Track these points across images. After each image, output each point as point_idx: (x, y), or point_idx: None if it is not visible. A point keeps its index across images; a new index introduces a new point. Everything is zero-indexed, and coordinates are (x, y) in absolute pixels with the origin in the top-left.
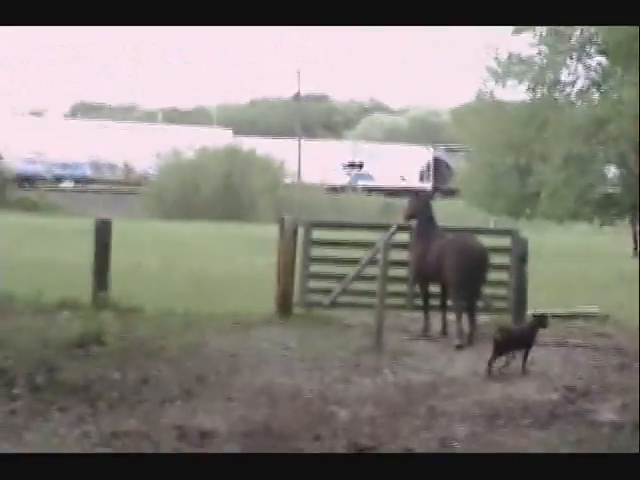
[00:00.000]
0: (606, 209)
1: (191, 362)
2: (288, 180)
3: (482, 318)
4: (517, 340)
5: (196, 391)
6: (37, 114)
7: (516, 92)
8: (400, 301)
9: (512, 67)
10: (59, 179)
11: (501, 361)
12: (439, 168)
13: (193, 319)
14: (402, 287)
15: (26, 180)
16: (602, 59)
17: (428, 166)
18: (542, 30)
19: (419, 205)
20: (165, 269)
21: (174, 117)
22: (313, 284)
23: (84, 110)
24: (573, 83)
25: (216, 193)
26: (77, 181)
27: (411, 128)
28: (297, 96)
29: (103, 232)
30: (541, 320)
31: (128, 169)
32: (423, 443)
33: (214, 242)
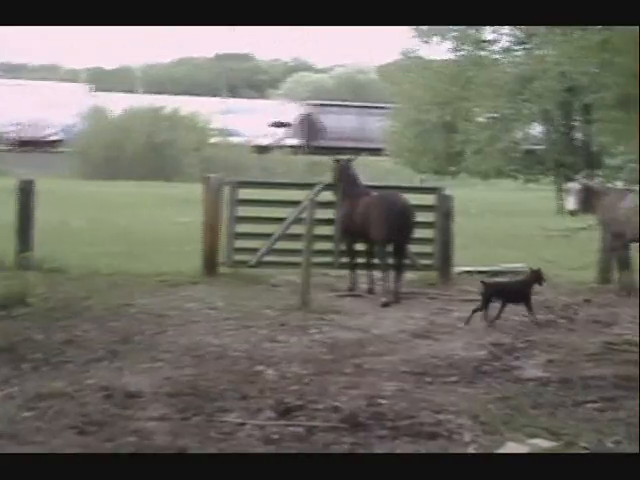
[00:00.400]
0: (530, 166)
1: (117, 322)
2: (213, 139)
3: (408, 275)
4: (508, 293)
5: (122, 351)
6: None
7: (441, 50)
8: (327, 259)
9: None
10: None
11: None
12: (312, 124)
13: (119, 279)
14: (328, 245)
15: None
16: None
17: (300, 122)
18: None
19: (340, 168)
20: (90, 229)
21: (99, 77)
22: (239, 243)
23: (6, 69)
24: (497, 41)
25: (140, 153)
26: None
27: (337, 86)
28: (222, 56)
29: (25, 192)
30: (537, 275)
31: (42, 128)
32: (350, 401)
33: (139, 202)
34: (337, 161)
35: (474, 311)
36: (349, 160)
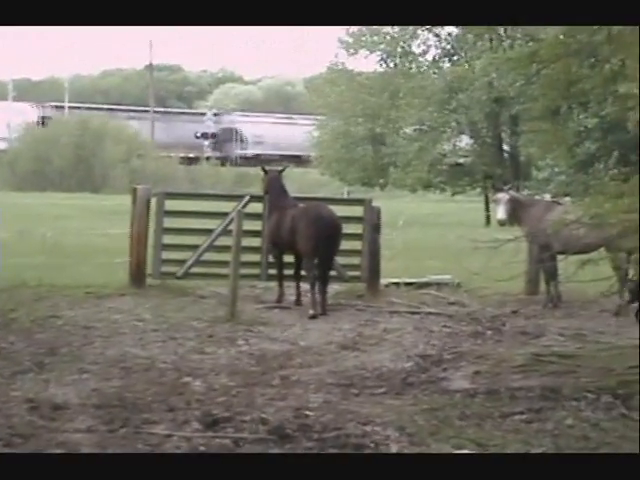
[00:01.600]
0: (458, 178)
1: (43, 334)
2: (141, 151)
3: (336, 287)
4: None
5: (48, 363)
6: None
7: (369, 62)
8: (254, 271)
9: (364, 38)
10: None
11: None
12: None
13: (45, 291)
14: (256, 257)
15: None
16: (453, 29)
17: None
18: None
19: (269, 179)
20: (17, 240)
21: (26, 88)
22: (166, 255)
23: None
24: (426, 52)
25: (68, 164)
26: None
27: (265, 98)
28: (150, 67)
29: None
30: None
31: None
32: (278, 413)
33: (67, 213)
34: (265, 172)
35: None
36: (278, 171)
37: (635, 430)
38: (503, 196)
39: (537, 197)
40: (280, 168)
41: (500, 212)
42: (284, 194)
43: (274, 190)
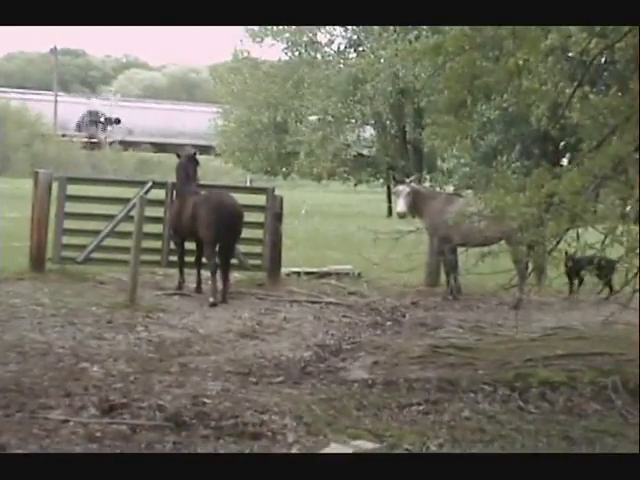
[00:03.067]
0: (361, 169)
1: None
2: (44, 135)
3: (237, 276)
4: None
5: None
6: None
7: (275, 51)
8: (155, 257)
9: (269, 26)
10: None
11: None
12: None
13: None
14: (157, 244)
15: None
16: None
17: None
18: None
19: (177, 165)
20: None
21: None
22: (67, 240)
23: None
24: (331, 42)
25: None
26: None
27: (170, 85)
28: (54, 50)
29: None
30: None
31: None
32: (175, 400)
33: None
34: (178, 155)
35: None
36: (187, 156)
37: (530, 423)
38: (404, 189)
39: (439, 189)
40: (191, 151)
41: (400, 205)
42: (188, 181)
43: (179, 176)
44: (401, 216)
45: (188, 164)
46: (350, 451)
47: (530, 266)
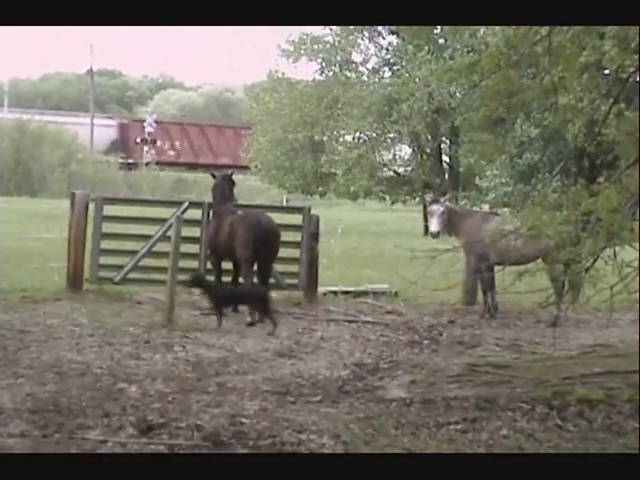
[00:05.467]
0: (397, 187)
1: None
2: (80, 155)
3: (274, 295)
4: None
5: None
6: None
7: (309, 71)
8: None
9: (304, 46)
10: None
11: None
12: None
13: None
14: (194, 263)
15: None
16: (393, 39)
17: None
18: None
19: (214, 185)
20: None
21: None
22: (104, 260)
23: None
24: (365, 62)
25: (6, 168)
26: None
27: (205, 104)
28: (90, 71)
29: None
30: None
31: None
32: (213, 419)
33: (4, 217)
34: (214, 176)
35: None
36: (222, 176)
37: (569, 441)
38: (437, 208)
39: (474, 208)
40: (228, 172)
41: (434, 224)
42: (224, 200)
43: (215, 196)
44: (434, 236)
45: (224, 184)
46: None
47: (567, 284)
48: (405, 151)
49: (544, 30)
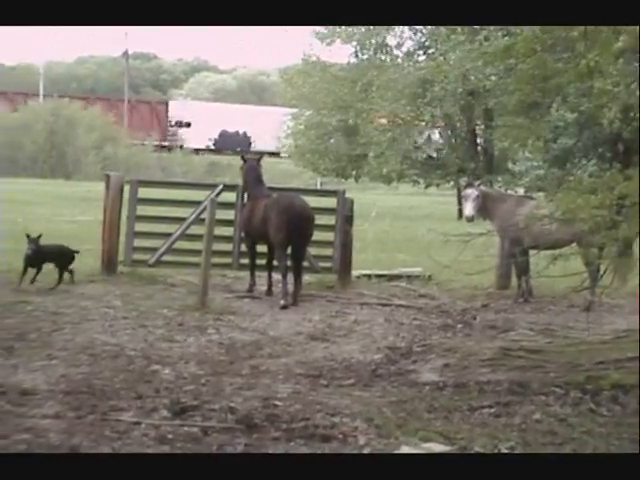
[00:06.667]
0: (431, 171)
1: (12, 319)
2: (115, 138)
3: (307, 278)
4: None
5: (17, 348)
6: None
7: (343, 54)
8: (226, 260)
9: (339, 29)
10: None
11: None
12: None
13: (15, 276)
14: (228, 246)
15: None
16: None
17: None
18: None
19: (246, 168)
20: None
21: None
22: (138, 242)
23: None
24: (400, 45)
25: (41, 151)
26: None
27: (239, 87)
28: (126, 54)
29: None
30: None
31: None
32: (246, 402)
33: (38, 199)
34: (245, 160)
35: None
36: (255, 159)
37: (602, 426)
38: (472, 192)
39: (509, 192)
40: (257, 156)
41: (468, 209)
42: (258, 183)
43: (249, 179)
44: (469, 220)
45: (257, 166)
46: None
47: (601, 268)
48: (438, 134)
49: None
